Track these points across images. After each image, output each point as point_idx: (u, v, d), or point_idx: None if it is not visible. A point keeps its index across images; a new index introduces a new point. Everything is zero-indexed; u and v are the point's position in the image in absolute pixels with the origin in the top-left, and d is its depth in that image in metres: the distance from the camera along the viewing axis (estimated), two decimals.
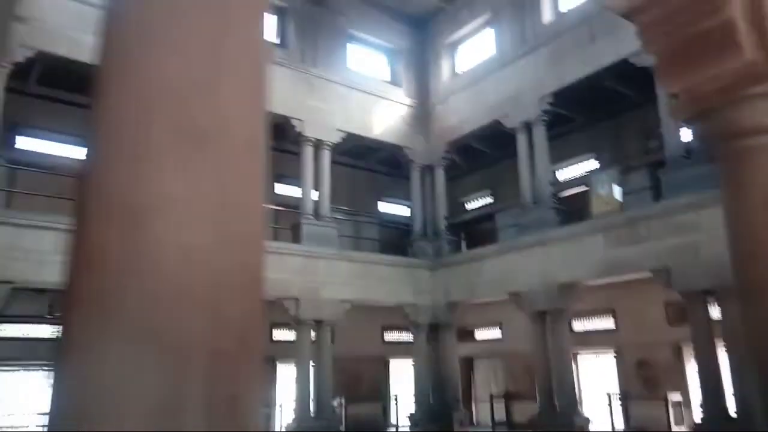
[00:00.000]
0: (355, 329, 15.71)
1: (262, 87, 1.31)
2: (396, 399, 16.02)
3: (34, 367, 11.91)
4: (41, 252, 9.00)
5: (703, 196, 8.77)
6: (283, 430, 11.79)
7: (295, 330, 11.87)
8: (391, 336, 16.67)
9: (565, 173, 15.13)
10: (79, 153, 12.97)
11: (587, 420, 10.62)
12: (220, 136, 1.17)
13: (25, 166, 11.84)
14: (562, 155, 14.57)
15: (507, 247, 12.28)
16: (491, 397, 15.62)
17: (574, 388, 10.95)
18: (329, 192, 12.90)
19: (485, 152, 16.30)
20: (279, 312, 11.83)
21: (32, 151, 12.42)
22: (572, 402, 10.71)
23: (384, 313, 14.42)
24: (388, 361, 16.71)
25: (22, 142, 12.40)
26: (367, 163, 17.04)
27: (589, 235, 10.62)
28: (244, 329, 1.16)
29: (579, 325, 14.25)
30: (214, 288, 1.12)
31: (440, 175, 14.48)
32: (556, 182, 14.37)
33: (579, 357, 14.28)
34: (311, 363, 11.85)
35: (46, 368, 11.89)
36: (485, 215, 16.81)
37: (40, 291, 11.05)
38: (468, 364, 17.14)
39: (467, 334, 17.04)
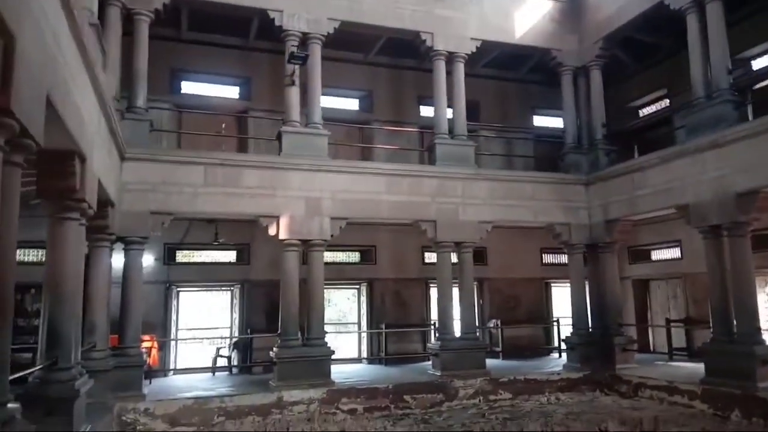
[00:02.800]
0: (511, 251, 15.12)
1: None
2: (558, 322, 15.27)
3: (214, 287, 13.59)
4: (193, 185, 9.94)
5: None
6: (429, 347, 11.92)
7: (435, 252, 11.70)
8: (551, 258, 15.71)
9: (760, 61, 12.26)
10: (232, 92, 13.98)
11: None
12: None
13: (190, 108, 13.09)
14: (754, 38, 11.81)
15: (673, 153, 10.45)
16: (668, 321, 14.07)
17: (755, 314, 9.19)
18: (464, 108, 12.11)
19: (657, 45, 13.90)
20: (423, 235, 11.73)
21: (195, 95, 13.62)
22: (753, 329, 9.03)
23: (542, 235, 13.53)
24: (549, 284, 15.86)
25: (186, 87, 13.63)
26: (516, 74, 15.70)
27: None
28: None
29: None
30: None
31: (596, 77, 12.70)
32: (746, 72, 11.77)
33: None
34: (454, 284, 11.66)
35: (223, 288, 13.51)
36: (662, 119, 14.59)
37: (209, 221, 12.39)
38: (643, 286, 15.54)
39: (642, 254, 15.34)
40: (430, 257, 14.13)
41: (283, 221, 10.31)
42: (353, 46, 14.01)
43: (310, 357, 10.15)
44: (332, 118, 14.01)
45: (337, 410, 9.86)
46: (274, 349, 10.25)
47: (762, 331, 9.26)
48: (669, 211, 10.81)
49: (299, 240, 10.42)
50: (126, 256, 9.67)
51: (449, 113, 12.10)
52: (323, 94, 14.12)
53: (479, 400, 10.53)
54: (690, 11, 10.31)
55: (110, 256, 9.41)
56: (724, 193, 9.29)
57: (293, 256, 10.42)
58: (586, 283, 12.72)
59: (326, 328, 14.03)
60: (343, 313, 15.28)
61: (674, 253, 14.27)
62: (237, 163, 10.34)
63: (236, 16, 11.97)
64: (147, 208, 9.61)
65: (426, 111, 14.94)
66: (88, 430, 6.59)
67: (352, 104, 15.03)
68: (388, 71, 14.87)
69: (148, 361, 11.06)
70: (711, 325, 10.01)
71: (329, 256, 13.85)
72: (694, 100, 10.23)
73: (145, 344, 11.19)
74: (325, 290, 14.27)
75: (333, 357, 13.06)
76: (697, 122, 9.97)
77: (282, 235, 10.30)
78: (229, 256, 13.38)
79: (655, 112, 15.23)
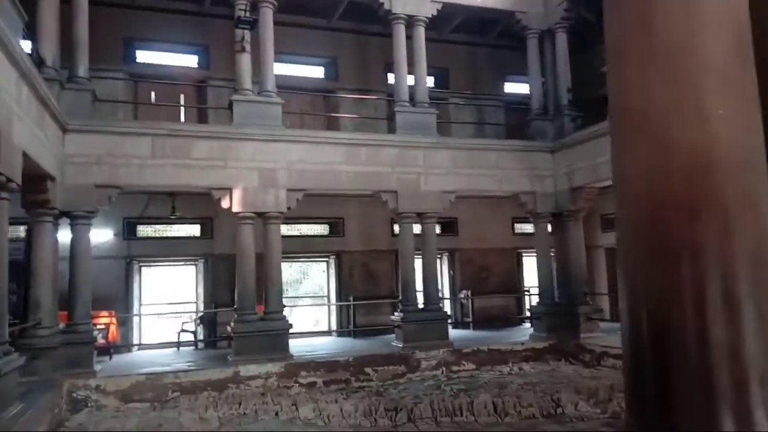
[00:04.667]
0: (482, 221, 14.92)
1: None
2: (529, 292, 15.20)
3: (177, 262, 13.36)
4: (140, 157, 9.63)
5: None
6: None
7: (397, 223, 11.50)
8: (523, 227, 15.54)
9: None
10: (190, 61, 13.54)
11: None
12: None
13: (146, 78, 12.69)
14: None
15: None
16: None
17: None
18: (425, 74, 11.77)
19: None
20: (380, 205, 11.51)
21: (151, 64, 13.20)
22: None
23: (513, 204, 13.30)
24: (521, 254, 15.73)
25: (142, 56, 13.20)
26: (486, 39, 15.28)
27: None
28: None
29: None
30: None
31: (562, 40, 12.35)
32: None
33: None
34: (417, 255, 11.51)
35: (187, 262, 13.30)
36: None
37: (170, 194, 12.11)
38: (614, 254, 15.40)
39: (614, 222, 15.15)
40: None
41: (236, 193, 10.04)
42: (316, 12, 13.59)
43: (267, 331, 10.00)
44: (297, 87, 13.69)
45: (295, 384, 9.75)
46: (231, 323, 10.09)
47: None
48: None
49: (254, 213, 10.17)
50: (72, 231, 9.41)
51: (412, 80, 11.75)
52: (286, 62, 13.93)
53: (441, 372, 10.45)
54: None
55: (55, 231, 9.16)
56: None
57: (248, 229, 10.18)
58: (553, 252, 12.59)
59: (302, 301, 14.09)
60: (320, 286, 15.13)
61: None
62: (186, 133, 10.03)
63: None
64: (92, 181, 9.30)
65: (394, 79, 14.57)
66: (19, 410, 6.44)
67: (317, 72, 14.64)
68: (352, 37, 14.44)
69: (106, 337, 10.96)
70: None
71: (296, 229, 13.73)
72: None
73: (103, 320, 11.04)
74: (299, 264, 14.33)
75: (304, 330, 13.14)
76: None
77: (235, 208, 10.05)
78: (192, 230, 13.13)
79: None
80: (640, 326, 1.83)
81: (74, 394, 8.71)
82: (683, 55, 1.81)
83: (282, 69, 13.92)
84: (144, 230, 12.79)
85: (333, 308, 14.09)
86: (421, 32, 11.67)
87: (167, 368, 9.67)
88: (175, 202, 12.06)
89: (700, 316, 1.77)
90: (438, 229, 14.18)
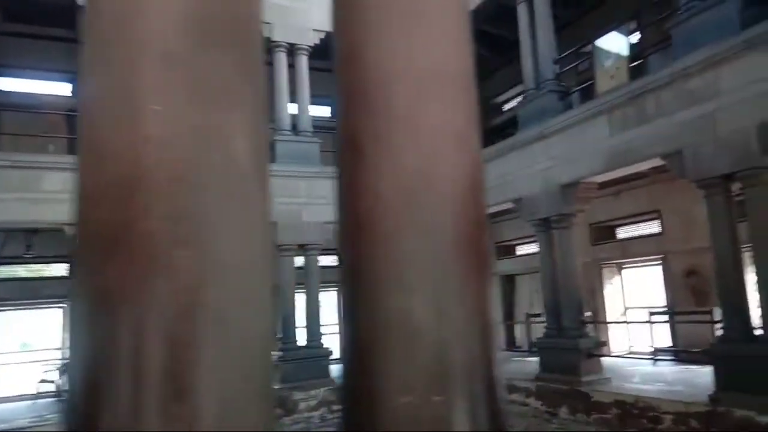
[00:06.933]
0: None
1: None
2: None
3: (41, 305, 12.21)
4: None
5: (720, 46, 6.44)
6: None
7: (278, 256, 11.02)
8: None
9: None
10: (64, 89, 12.74)
11: (596, 342, 8.87)
12: None
13: (11, 106, 11.79)
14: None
15: (506, 147, 10.30)
16: (527, 316, 14.11)
17: (580, 306, 9.12)
18: (308, 103, 11.55)
19: (516, 39, 13.90)
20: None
21: (17, 92, 12.30)
22: (577, 322, 8.94)
23: None
24: None
25: (7, 84, 12.27)
26: None
27: (592, 121, 8.43)
28: None
29: (624, 232, 12.17)
30: None
31: None
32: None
33: (624, 268, 12.29)
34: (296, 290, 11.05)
35: (53, 306, 12.19)
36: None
37: (33, 231, 11.12)
38: (510, 281, 15.54)
39: (508, 250, 15.36)
40: (298, 261, 13.42)
41: None
42: None
43: None
44: None
45: None
46: None
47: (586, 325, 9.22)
48: (502, 206, 10.58)
49: None
50: None
51: (295, 108, 11.48)
52: None
53: (318, 414, 9.91)
54: (520, 1, 10.21)
55: None
56: (550, 184, 9.17)
57: None
58: None
59: None
60: None
61: (535, 247, 14.29)
62: (35, 165, 9.21)
63: (57, 5, 10.87)
64: None
65: (292, 109, 14.23)
66: None
67: None
68: None
69: None
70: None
71: None
72: (525, 92, 10.13)
73: None
74: None
75: None
76: (528, 114, 9.86)
77: None
78: (60, 269, 12.09)
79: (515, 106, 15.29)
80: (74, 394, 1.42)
81: None
82: (122, 29, 1.45)
83: None
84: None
85: None
86: (303, 61, 11.47)
87: (5, 426, 8.63)
88: (33, 240, 11.06)
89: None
90: (337, 262, 13.83)
